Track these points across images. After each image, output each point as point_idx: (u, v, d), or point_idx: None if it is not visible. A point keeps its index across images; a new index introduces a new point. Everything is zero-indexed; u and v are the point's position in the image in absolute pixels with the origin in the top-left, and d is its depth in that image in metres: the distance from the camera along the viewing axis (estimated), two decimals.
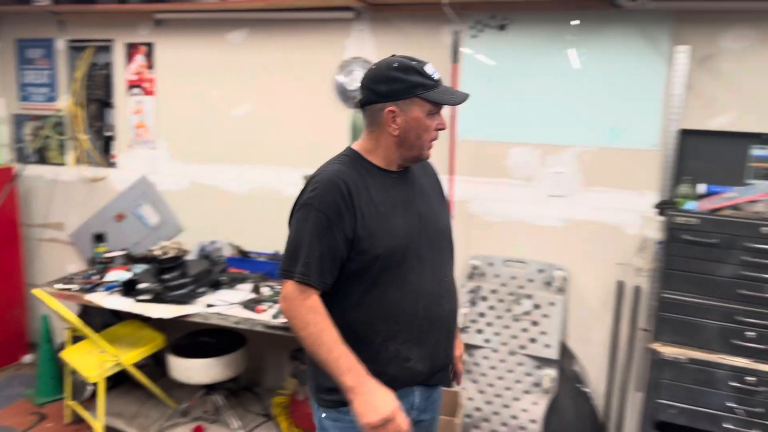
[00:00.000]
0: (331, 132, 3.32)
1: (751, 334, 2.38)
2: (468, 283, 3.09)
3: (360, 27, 3.18)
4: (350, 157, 1.69)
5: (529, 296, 2.98)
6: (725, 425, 2.41)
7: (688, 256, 2.47)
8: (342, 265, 1.63)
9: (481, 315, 3.05)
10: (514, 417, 2.97)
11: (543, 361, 2.93)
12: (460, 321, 3.02)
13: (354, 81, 3.21)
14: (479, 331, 3.04)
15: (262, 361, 3.63)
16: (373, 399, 1.54)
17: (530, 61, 2.94)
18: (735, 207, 2.51)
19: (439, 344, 1.77)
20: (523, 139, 3.02)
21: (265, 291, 3.06)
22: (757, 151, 2.67)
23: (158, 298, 2.96)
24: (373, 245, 1.61)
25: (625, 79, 2.84)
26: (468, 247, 3.16)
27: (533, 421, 2.92)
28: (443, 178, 3.09)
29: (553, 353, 2.90)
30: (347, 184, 1.60)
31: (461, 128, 3.10)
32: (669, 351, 2.48)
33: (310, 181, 1.64)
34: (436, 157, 3.11)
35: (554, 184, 3.02)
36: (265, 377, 3.66)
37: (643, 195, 2.86)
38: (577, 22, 2.84)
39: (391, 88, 1.61)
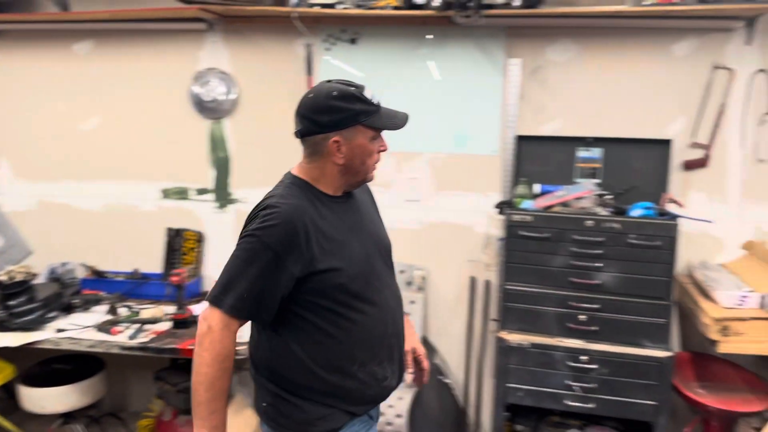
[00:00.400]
0: (189, 144, 3.27)
1: (582, 317, 2.65)
2: None
3: (213, 38, 3.17)
4: (299, 186, 1.63)
5: None
6: (566, 402, 2.66)
7: (525, 250, 2.70)
8: (306, 302, 1.58)
9: None
10: (381, 414, 3.08)
11: None
12: None
13: (210, 91, 3.19)
14: None
15: (125, 385, 3.49)
16: None
17: (382, 73, 3.08)
18: (564, 204, 2.79)
19: (402, 355, 1.81)
20: None
21: (123, 311, 2.96)
22: (581, 153, 2.98)
23: (3, 325, 2.76)
24: (338, 275, 1.58)
25: (468, 90, 3.06)
26: None
27: (399, 416, 3.05)
28: None
29: None
30: (304, 222, 1.55)
31: None
32: (514, 338, 2.70)
33: (263, 209, 1.56)
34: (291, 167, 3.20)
35: (410, 190, 3.18)
36: (129, 401, 3.52)
37: (488, 196, 3.09)
38: (431, 36, 3.02)
39: (334, 118, 1.57)
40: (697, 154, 2.90)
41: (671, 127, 2.90)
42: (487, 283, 3.13)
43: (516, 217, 2.70)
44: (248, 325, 1.66)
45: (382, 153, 1.69)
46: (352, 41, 3.09)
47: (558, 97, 2.99)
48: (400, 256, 3.20)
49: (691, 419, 2.76)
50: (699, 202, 2.93)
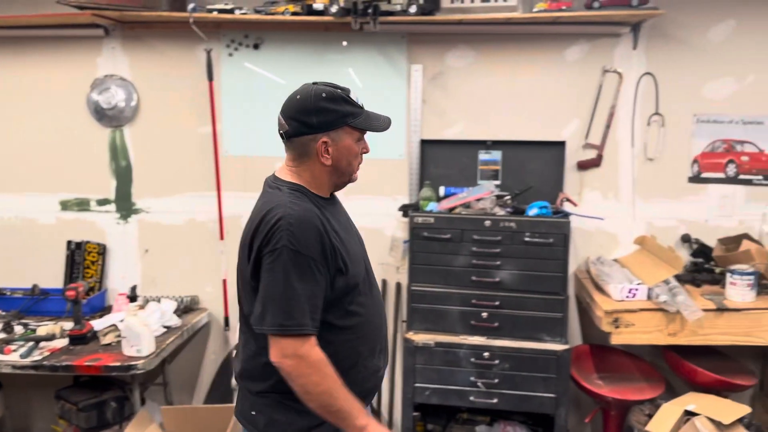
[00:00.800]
0: (88, 153, 3.17)
1: (484, 314, 2.72)
2: None
3: (111, 44, 3.09)
4: (299, 191, 1.61)
5: None
6: (471, 398, 2.72)
7: (429, 251, 2.75)
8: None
9: None
10: None
11: None
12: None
13: (110, 99, 3.10)
14: None
15: (27, 404, 3.33)
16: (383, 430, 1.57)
17: (286, 78, 3.08)
18: (466, 205, 2.86)
19: (387, 345, 1.84)
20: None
21: (19, 329, 2.82)
22: (483, 156, 3.06)
23: None
24: (350, 274, 1.60)
25: (374, 96, 3.08)
26: None
27: None
28: (209, 195, 3.17)
29: None
30: (322, 224, 1.55)
31: (226, 144, 3.14)
32: (420, 338, 2.74)
33: (278, 220, 1.50)
34: (200, 174, 3.16)
35: None
36: (32, 421, 3.36)
37: (396, 200, 3.13)
38: (346, 43, 3.04)
39: (323, 119, 1.58)
40: (590, 154, 3.03)
41: (566, 129, 3.02)
42: (398, 286, 3.17)
43: (419, 219, 2.75)
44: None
45: (363, 155, 1.72)
46: (256, 46, 3.07)
47: (458, 101, 3.06)
48: None
49: (592, 410, 2.87)
50: (594, 200, 3.05)
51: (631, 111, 2.99)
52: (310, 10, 2.79)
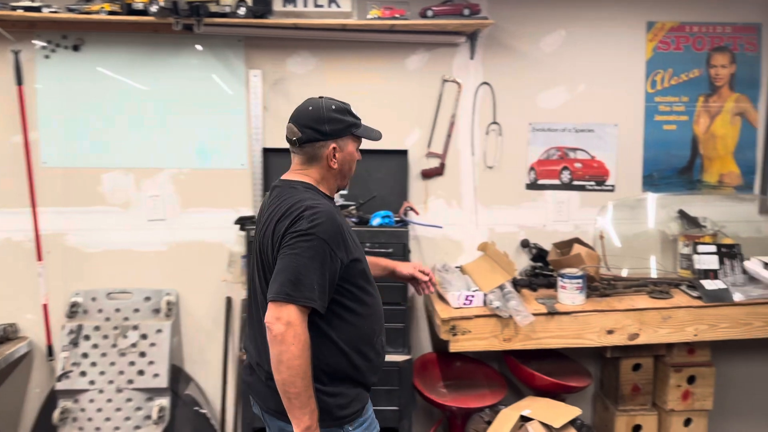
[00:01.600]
0: None
1: None
2: (68, 324, 2.84)
3: None
4: (314, 190, 1.79)
5: (135, 327, 2.85)
6: None
7: None
8: (341, 288, 1.71)
9: (85, 356, 2.82)
10: None
11: (153, 392, 2.83)
12: (61, 366, 2.78)
13: None
14: (83, 374, 2.81)
15: None
16: None
17: (113, 83, 2.84)
18: None
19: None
20: (115, 164, 2.91)
21: None
22: None
23: None
24: (361, 262, 1.77)
25: (211, 102, 2.93)
26: (67, 284, 2.91)
27: None
28: (24, 211, 2.87)
29: (162, 382, 2.82)
30: (339, 218, 1.73)
31: (45, 154, 2.85)
32: None
33: (304, 210, 1.66)
34: (14, 188, 2.84)
35: (152, 208, 2.96)
36: None
37: (239, 212, 2.97)
38: (200, 47, 2.87)
39: (334, 128, 1.77)
40: (433, 163, 3.03)
41: (409, 137, 3.00)
42: (244, 303, 3.00)
43: (252, 233, 2.61)
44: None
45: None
46: (75, 48, 2.81)
47: None
48: (145, 281, 3.00)
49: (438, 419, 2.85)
50: (439, 208, 3.06)
51: (470, 120, 3.03)
52: (129, 10, 2.58)
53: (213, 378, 3.04)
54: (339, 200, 2.81)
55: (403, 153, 2.96)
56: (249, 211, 2.98)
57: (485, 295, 2.62)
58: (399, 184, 2.98)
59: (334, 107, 1.79)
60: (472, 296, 2.61)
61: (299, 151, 1.82)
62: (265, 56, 2.92)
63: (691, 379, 2.85)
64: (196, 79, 2.90)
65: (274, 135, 2.96)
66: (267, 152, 2.95)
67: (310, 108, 1.80)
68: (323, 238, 1.63)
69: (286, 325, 1.58)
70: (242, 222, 2.80)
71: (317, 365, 1.68)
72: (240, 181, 2.98)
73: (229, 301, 3.01)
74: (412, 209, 2.88)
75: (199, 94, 2.91)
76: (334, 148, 1.78)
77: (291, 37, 2.88)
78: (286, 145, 2.97)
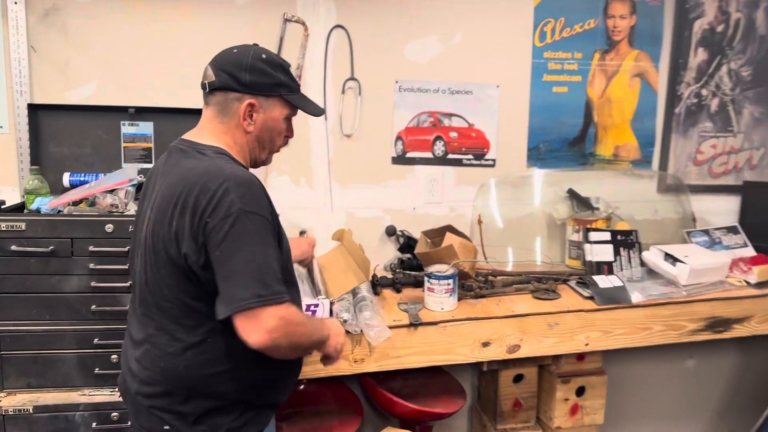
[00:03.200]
0: None
1: (114, 358, 1.92)
2: None
3: None
4: (226, 155, 1.43)
5: None
6: None
7: (23, 271, 1.86)
8: None
9: None
10: None
11: None
12: None
13: None
14: None
15: None
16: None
17: None
18: (91, 200, 2.00)
19: None
20: None
21: None
22: (126, 129, 2.22)
23: None
24: (284, 249, 1.45)
25: None
26: None
27: None
28: None
29: None
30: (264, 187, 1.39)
31: None
32: (14, 401, 1.85)
33: (220, 185, 1.28)
34: None
35: None
36: None
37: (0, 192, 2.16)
38: None
39: (257, 80, 1.44)
40: None
41: None
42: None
43: (2, 226, 1.83)
44: None
45: (288, 139, 1.60)
46: None
47: (88, 51, 2.18)
48: None
49: None
50: (283, 187, 2.41)
51: (321, 75, 2.37)
52: None
53: None
54: (136, 178, 2.07)
55: None
56: (12, 192, 2.17)
57: (332, 303, 2.01)
58: None
59: (264, 57, 1.47)
60: (316, 306, 1.99)
61: (210, 100, 1.48)
62: None
63: (580, 391, 2.41)
64: None
65: (46, 86, 2.16)
66: (36, 110, 2.14)
67: (235, 50, 1.48)
68: (261, 214, 1.31)
69: (281, 329, 1.27)
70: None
71: (208, 384, 1.39)
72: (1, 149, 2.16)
73: None
74: None
75: None
76: (251, 105, 1.45)
77: None
78: (67, 101, 2.22)
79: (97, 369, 1.92)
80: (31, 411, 1.85)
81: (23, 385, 1.90)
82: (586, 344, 2.18)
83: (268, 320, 1.26)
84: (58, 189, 2.13)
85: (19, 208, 2.05)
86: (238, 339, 1.28)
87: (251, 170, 1.46)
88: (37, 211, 1.98)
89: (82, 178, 2.14)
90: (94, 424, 1.88)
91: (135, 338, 1.45)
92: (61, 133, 2.18)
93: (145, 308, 1.42)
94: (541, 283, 2.28)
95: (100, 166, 2.21)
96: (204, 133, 1.47)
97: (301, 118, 2.34)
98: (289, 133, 1.58)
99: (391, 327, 1.95)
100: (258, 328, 1.26)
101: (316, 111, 1.60)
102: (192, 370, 1.38)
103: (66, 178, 2.13)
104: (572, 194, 2.60)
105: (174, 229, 1.31)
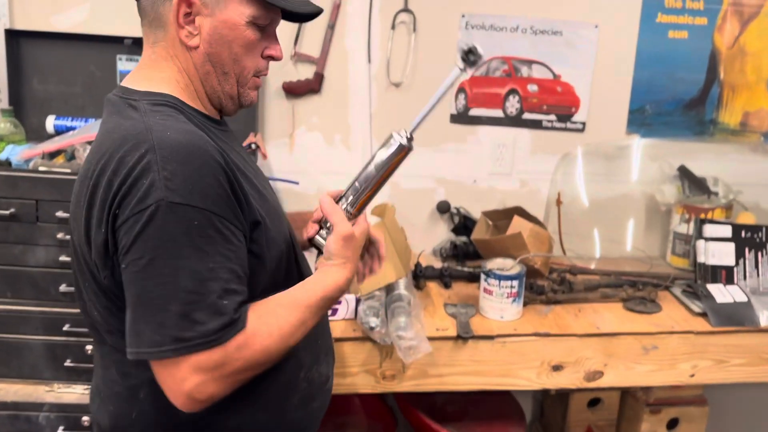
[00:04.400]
0: None
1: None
2: None
3: None
4: (168, 104, 0.94)
5: None
6: None
7: None
8: None
9: None
10: None
11: None
12: None
13: None
14: None
15: None
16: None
17: None
18: (70, 153, 1.62)
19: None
20: None
21: None
22: (123, 64, 1.80)
23: None
24: (273, 238, 0.98)
25: None
26: None
27: None
28: None
29: None
30: (217, 150, 0.89)
31: None
32: None
33: (138, 160, 0.83)
34: None
35: None
36: None
37: None
38: None
39: None
40: (305, 72, 1.88)
41: None
42: None
43: None
44: None
45: (271, 60, 1.05)
46: None
47: None
48: None
49: None
50: (313, 145, 1.95)
51: (367, 3, 1.86)
52: None
53: None
54: None
55: None
56: None
57: (358, 301, 1.56)
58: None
59: None
60: (338, 303, 1.56)
61: (140, 13, 1.00)
62: None
63: (672, 423, 1.90)
64: None
65: (29, 9, 1.76)
66: (17, 38, 1.76)
67: None
68: (202, 207, 0.84)
69: (186, 398, 0.84)
70: None
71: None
72: None
73: None
74: (258, 149, 1.75)
75: None
76: (186, 2, 0.94)
77: None
78: (53, 28, 1.81)
79: (68, 361, 1.57)
80: None
81: None
82: (692, 375, 1.64)
83: (187, 377, 0.83)
84: (43, 135, 1.76)
85: None
86: None
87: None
88: (8, 163, 1.62)
89: (69, 123, 1.76)
90: (60, 429, 1.54)
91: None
92: (47, 68, 1.79)
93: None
94: (637, 289, 1.74)
95: (92, 109, 1.82)
96: (142, 70, 1.01)
97: (338, 56, 1.88)
98: (269, 51, 1.03)
99: (432, 338, 1.49)
100: (173, 386, 0.84)
101: (303, 7, 1.04)
102: (147, 417, 0.98)
103: (50, 122, 1.76)
104: (683, 172, 2.01)
105: (83, 226, 0.90)
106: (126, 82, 1.00)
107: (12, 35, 1.74)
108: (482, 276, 1.60)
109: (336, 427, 1.84)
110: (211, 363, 0.83)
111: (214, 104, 1.04)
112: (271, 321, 0.90)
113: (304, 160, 1.94)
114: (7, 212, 1.48)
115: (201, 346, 0.82)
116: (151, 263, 0.82)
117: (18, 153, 1.62)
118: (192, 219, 0.83)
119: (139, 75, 1.00)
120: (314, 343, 1.12)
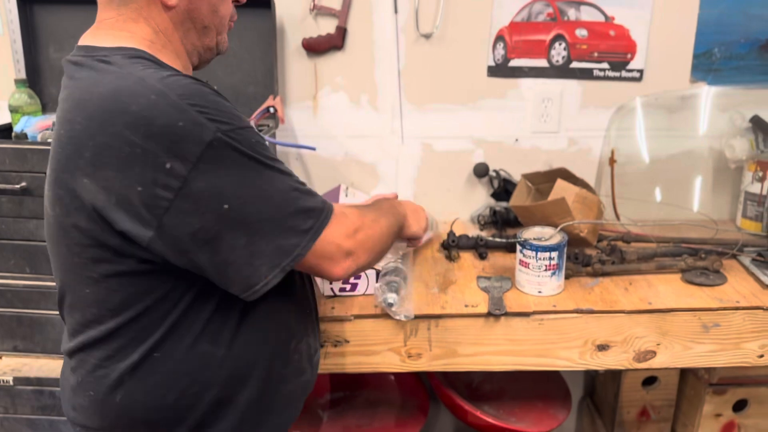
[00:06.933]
0: None
1: None
2: None
3: None
4: (144, 58, 0.89)
5: None
6: None
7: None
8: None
9: None
10: None
11: None
12: None
13: None
14: None
15: None
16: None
17: None
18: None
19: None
20: None
21: None
22: None
23: None
24: None
25: None
26: None
27: None
28: None
29: None
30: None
31: None
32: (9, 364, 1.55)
33: (152, 103, 0.80)
34: None
35: None
36: None
37: None
38: None
39: None
40: (326, 26, 1.74)
41: None
42: None
43: None
44: None
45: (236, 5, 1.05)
46: None
47: None
48: None
49: None
50: (337, 106, 1.82)
51: None
52: None
53: None
54: None
55: (266, 5, 1.66)
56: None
57: (379, 275, 1.44)
58: (263, 64, 1.72)
59: None
60: (358, 279, 1.45)
61: None
62: None
63: (740, 405, 1.71)
64: None
65: None
66: (31, 4, 1.71)
67: None
68: (234, 128, 0.84)
69: (357, 237, 0.98)
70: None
71: (174, 407, 0.93)
72: None
73: None
74: (275, 111, 1.64)
75: None
76: None
77: None
78: None
79: None
80: (12, 382, 1.52)
81: (9, 348, 1.58)
82: (761, 356, 1.45)
83: (337, 236, 0.94)
84: None
85: (7, 129, 1.66)
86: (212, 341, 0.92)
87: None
88: (23, 135, 1.58)
89: None
90: None
91: (65, 348, 1.02)
92: (63, 35, 1.74)
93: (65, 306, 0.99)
94: (698, 258, 1.54)
95: None
96: (102, 30, 0.93)
97: (361, 7, 1.73)
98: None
99: (460, 316, 1.37)
100: (331, 263, 0.95)
101: None
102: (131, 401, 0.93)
103: None
104: (757, 124, 1.75)
105: (85, 195, 0.84)
106: (90, 41, 0.92)
107: (25, 2, 1.69)
108: (518, 246, 1.45)
109: (369, 403, 1.76)
110: (344, 227, 0.95)
111: (192, 61, 1.02)
112: (369, 213, 1.06)
113: (329, 123, 1.82)
114: (17, 186, 1.44)
115: (327, 219, 0.91)
116: (242, 192, 0.83)
117: (33, 124, 1.58)
118: (248, 138, 0.85)
119: (99, 33, 0.92)
120: (306, 316, 1.12)
